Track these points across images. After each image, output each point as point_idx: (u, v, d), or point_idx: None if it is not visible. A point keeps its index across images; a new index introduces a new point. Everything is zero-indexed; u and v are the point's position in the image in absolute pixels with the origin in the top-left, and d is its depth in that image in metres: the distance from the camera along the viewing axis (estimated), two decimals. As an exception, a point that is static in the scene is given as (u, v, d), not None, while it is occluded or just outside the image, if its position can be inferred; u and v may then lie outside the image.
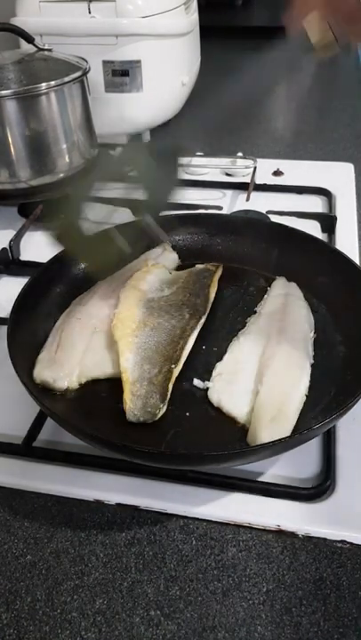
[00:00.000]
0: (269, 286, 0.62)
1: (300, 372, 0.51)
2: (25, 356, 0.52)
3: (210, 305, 0.58)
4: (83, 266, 0.63)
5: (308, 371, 0.51)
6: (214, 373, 0.52)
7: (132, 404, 0.48)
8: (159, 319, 0.56)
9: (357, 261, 0.69)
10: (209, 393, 0.50)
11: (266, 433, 0.45)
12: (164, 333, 0.54)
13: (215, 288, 0.60)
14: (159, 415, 0.48)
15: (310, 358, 0.53)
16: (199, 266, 0.63)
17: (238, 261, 0.66)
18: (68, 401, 0.50)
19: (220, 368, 0.52)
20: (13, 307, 0.53)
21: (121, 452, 0.43)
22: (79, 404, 0.50)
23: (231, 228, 0.68)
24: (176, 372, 0.51)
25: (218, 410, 0.49)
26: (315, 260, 0.61)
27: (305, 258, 0.62)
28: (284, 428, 0.45)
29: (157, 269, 0.63)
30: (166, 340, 0.54)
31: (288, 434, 0.45)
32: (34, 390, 0.47)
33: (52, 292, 0.60)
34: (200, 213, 0.73)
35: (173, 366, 0.51)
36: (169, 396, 0.49)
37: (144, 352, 0.52)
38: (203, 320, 0.56)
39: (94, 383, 0.52)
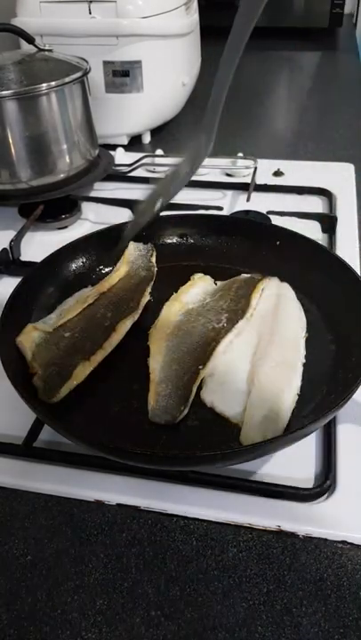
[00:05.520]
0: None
1: (292, 371, 0.51)
2: (16, 357, 0.52)
3: (251, 311, 0.58)
4: (74, 267, 0.64)
5: (300, 370, 0.51)
6: (206, 374, 0.52)
7: (156, 404, 0.48)
8: (195, 323, 0.56)
9: (358, 262, 0.70)
10: (202, 393, 0.50)
11: (258, 432, 0.45)
12: (197, 336, 0.54)
13: (258, 295, 0.60)
14: (180, 418, 0.47)
15: (302, 357, 0.53)
16: (244, 275, 0.63)
17: (230, 262, 0.66)
18: (61, 402, 0.50)
19: (212, 369, 0.52)
20: (5, 307, 0.54)
21: (113, 454, 0.43)
22: (73, 405, 0.50)
23: (223, 229, 0.68)
24: (203, 373, 0.51)
25: (211, 410, 0.49)
26: (306, 259, 0.61)
27: (297, 258, 0.62)
28: (277, 427, 0.46)
29: (203, 282, 0.63)
30: (199, 343, 0.54)
31: (280, 433, 0.45)
32: (23, 391, 0.47)
33: (43, 294, 0.60)
34: (191, 214, 0.73)
35: (201, 367, 0.51)
36: (192, 397, 0.49)
37: (174, 354, 0.52)
38: (240, 324, 0.56)
39: (90, 385, 0.52)
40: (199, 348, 0.53)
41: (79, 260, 0.65)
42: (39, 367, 0.51)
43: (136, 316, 0.58)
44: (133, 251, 0.66)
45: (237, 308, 0.57)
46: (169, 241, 0.69)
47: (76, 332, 0.55)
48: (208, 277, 0.63)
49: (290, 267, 0.62)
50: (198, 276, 0.63)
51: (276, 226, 0.70)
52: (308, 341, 0.55)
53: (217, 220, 0.72)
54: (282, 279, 0.62)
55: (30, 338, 0.53)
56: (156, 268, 0.64)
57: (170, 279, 0.63)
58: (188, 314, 0.57)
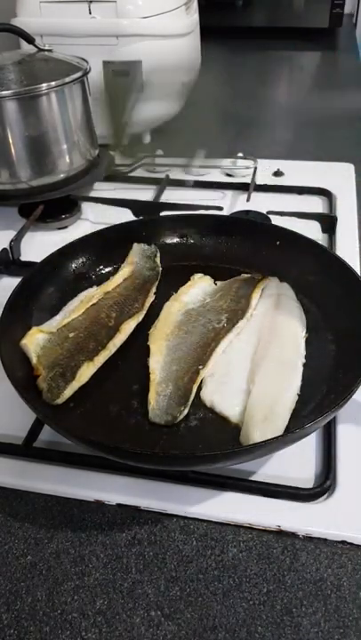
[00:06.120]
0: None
1: (292, 371, 0.51)
2: (16, 358, 0.52)
3: (251, 311, 0.58)
4: (74, 267, 0.64)
5: (300, 370, 0.51)
6: (206, 374, 0.52)
7: (156, 404, 0.48)
8: (195, 323, 0.56)
9: (358, 262, 0.70)
10: (202, 394, 0.50)
11: (258, 432, 0.45)
12: (197, 336, 0.54)
13: (258, 295, 0.60)
14: (180, 418, 0.47)
15: (302, 357, 0.53)
16: (244, 275, 0.63)
17: (230, 262, 0.66)
18: (62, 403, 0.50)
19: (212, 369, 0.52)
20: (5, 307, 0.54)
21: (113, 454, 0.43)
22: (73, 406, 0.50)
23: (223, 229, 0.68)
24: (203, 373, 0.51)
25: (211, 410, 0.49)
26: (306, 259, 0.61)
27: (297, 258, 0.62)
28: (277, 427, 0.46)
29: (203, 282, 0.63)
30: (199, 343, 0.54)
31: (280, 433, 0.45)
32: (23, 392, 0.47)
33: (43, 294, 0.60)
34: (191, 214, 0.73)
35: (201, 367, 0.51)
36: (192, 397, 0.49)
37: (174, 354, 0.53)
38: (240, 324, 0.56)
39: (90, 385, 0.52)
40: (199, 348, 0.53)
41: (79, 260, 0.65)
42: (43, 369, 0.51)
43: (141, 316, 0.58)
44: (138, 251, 0.66)
45: (237, 308, 0.57)
46: (169, 241, 0.69)
47: (80, 331, 0.55)
48: (208, 277, 0.63)
49: (290, 267, 0.62)
50: (198, 276, 0.63)
51: (276, 226, 0.70)
52: (308, 341, 0.55)
53: (217, 220, 0.72)
54: (282, 279, 0.62)
55: (34, 340, 0.53)
56: (160, 269, 0.64)
57: (170, 279, 0.63)
58: (188, 314, 0.58)
